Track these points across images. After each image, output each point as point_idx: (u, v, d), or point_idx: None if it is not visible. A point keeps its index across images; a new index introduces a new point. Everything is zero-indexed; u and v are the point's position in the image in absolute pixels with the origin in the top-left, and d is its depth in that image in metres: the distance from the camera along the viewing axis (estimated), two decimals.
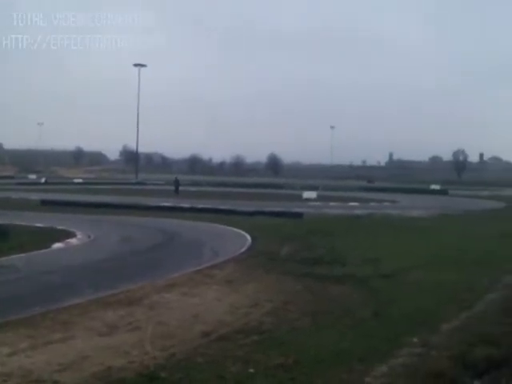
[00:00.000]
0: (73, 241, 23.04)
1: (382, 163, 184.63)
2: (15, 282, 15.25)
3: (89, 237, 24.02)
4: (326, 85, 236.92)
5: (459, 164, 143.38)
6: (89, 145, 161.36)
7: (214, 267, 17.46)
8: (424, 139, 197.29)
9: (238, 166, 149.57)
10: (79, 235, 24.28)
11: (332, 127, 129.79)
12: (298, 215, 33.76)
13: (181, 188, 58.01)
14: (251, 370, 8.43)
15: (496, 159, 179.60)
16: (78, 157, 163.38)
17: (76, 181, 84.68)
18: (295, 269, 17.03)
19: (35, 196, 45.69)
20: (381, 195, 61.15)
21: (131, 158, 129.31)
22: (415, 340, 10.09)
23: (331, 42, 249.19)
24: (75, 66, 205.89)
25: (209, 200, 45.45)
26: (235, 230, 26.98)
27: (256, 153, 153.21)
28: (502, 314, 12.03)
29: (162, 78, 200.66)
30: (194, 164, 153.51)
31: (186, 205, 38.89)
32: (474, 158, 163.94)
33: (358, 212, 38.95)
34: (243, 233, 25.60)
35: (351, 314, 12.05)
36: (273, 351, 9.31)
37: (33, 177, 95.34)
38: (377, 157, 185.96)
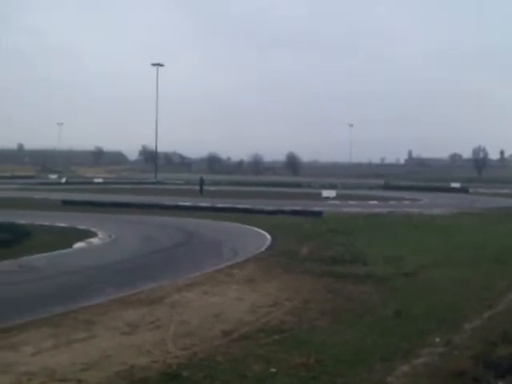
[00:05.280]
0: (94, 240, 23.20)
1: (402, 161, 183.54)
2: (37, 281, 15.37)
3: (110, 236, 24.17)
4: (344, 83, 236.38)
5: (479, 161, 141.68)
6: (108, 145, 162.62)
7: (234, 266, 17.48)
8: (444, 136, 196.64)
9: (256, 165, 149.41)
10: (100, 235, 24.45)
11: (350, 125, 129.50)
12: (318, 214, 33.72)
13: (203, 187, 58.00)
14: (273, 370, 8.43)
15: None
16: (98, 157, 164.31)
17: (96, 180, 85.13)
18: (315, 268, 17.01)
19: (56, 196, 46.05)
20: (400, 193, 60.81)
21: (150, 157, 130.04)
22: (437, 339, 10.03)
23: (343, 38, 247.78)
24: (94, 66, 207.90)
25: (229, 199, 45.46)
26: (255, 229, 27.00)
27: (274, 152, 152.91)
28: None
29: (181, 77, 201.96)
30: (213, 163, 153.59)
31: (205, 204, 39.00)
32: (494, 155, 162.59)
33: (377, 210, 38.77)
34: (263, 232, 25.60)
35: (372, 312, 12.02)
36: (294, 350, 9.31)
37: (53, 177, 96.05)
38: (396, 154, 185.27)
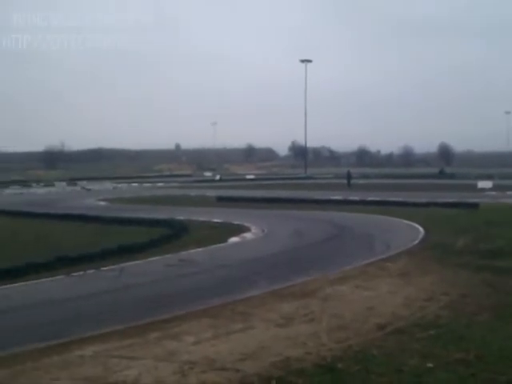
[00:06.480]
0: (248, 235, 23.87)
1: None
2: (196, 274, 16.18)
3: (263, 231, 24.74)
4: (497, 68, 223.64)
5: None
6: (259, 142, 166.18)
7: (386, 260, 17.27)
8: None
9: (406, 157, 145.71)
10: (253, 229, 25.10)
11: (507, 112, 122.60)
12: (474, 205, 32.29)
13: (351, 181, 57.79)
14: (430, 365, 8.25)
15: None
16: (249, 154, 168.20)
17: (248, 177, 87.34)
18: (472, 261, 16.37)
19: (211, 192, 47.86)
20: None
21: (300, 152, 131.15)
22: None
23: (496, 23, 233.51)
24: (243, 66, 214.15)
25: (379, 192, 44.85)
26: (406, 221, 26.42)
27: (425, 143, 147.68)
28: None
29: (328, 73, 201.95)
30: (362, 156, 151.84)
31: (355, 197, 38.75)
32: None
33: None
34: (415, 225, 25.00)
35: None
36: (452, 346, 9.05)
37: (208, 174, 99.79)
38: None
